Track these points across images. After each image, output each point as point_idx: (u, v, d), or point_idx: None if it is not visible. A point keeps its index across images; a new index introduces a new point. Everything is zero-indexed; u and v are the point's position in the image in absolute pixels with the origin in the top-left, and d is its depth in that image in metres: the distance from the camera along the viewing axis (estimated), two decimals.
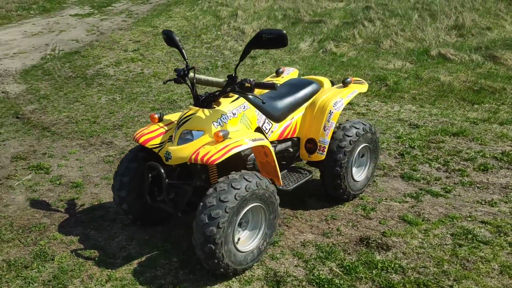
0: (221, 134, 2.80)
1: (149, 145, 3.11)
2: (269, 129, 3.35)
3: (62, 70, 8.62)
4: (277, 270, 3.01)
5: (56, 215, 3.72)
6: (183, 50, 3.17)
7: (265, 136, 3.31)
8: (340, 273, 2.96)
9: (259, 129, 3.32)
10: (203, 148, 2.81)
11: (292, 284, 2.88)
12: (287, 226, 3.51)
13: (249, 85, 2.89)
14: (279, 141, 3.51)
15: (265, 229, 3.02)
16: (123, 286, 2.88)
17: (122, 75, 8.22)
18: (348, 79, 3.71)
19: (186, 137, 2.95)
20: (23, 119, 6.25)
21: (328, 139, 3.52)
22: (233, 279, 2.93)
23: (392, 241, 3.28)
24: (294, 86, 3.70)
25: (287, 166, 3.65)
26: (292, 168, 3.65)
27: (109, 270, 3.03)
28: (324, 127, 3.52)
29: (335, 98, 3.56)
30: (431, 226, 3.46)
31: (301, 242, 3.31)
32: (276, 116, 3.41)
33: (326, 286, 2.84)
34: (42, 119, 6.23)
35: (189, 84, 3.12)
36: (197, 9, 13.91)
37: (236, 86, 2.93)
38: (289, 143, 3.58)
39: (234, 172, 2.88)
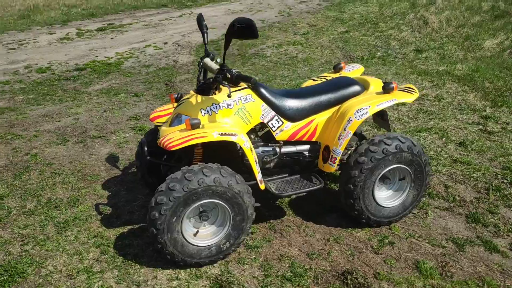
0: (190, 122, 2.76)
1: (156, 122, 3.27)
2: (278, 127, 3.10)
3: (230, 47, 9.37)
4: (232, 275, 2.84)
5: (113, 171, 4.25)
6: (205, 35, 3.18)
7: (272, 134, 3.09)
8: None
9: (263, 125, 3.12)
10: (173, 133, 2.82)
11: None
12: (281, 234, 3.23)
13: (229, 76, 2.75)
14: (291, 143, 3.21)
15: (229, 229, 2.87)
16: (101, 244, 3.17)
17: (276, 57, 8.47)
18: (391, 85, 3.09)
19: (176, 120, 2.99)
20: (170, 86, 7.13)
21: (341, 149, 3.05)
22: (186, 269, 2.90)
23: (379, 286, 2.69)
24: (330, 85, 3.29)
25: (302, 171, 3.31)
26: (306, 174, 3.29)
27: (104, 227, 3.36)
28: (340, 135, 3.06)
29: (361, 104, 3.04)
30: (445, 284, 2.69)
31: (280, 255, 3.02)
32: (291, 115, 3.12)
33: None
34: (184, 88, 6.99)
35: (200, 69, 3.12)
36: None
37: (220, 76, 2.82)
38: (306, 146, 3.24)
39: (201, 163, 2.81)
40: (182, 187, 2.65)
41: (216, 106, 2.91)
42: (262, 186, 2.93)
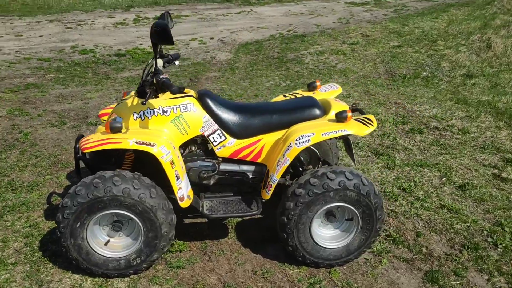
0: (110, 125, 2.60)
1: (102, 119, 3.17)
2: (220, 142, 2.85)
3: (272, 49, 9.14)
4: None
5: None
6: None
7: (214, 149, 2.87)
8: None
9: (204, 138, 2.89)
10: (93, 134, 2.68)
11: None
12: (209, 257, 2.98)
13: (156, 81, 2.58)
14: (235, 161, 2.95)
15: (141, 245, 2.68)
16: (31, 235, 3.11)
17: (313, 64, 8.11)
18: (344, 114, 2.71)
19: (113, 120, 2.86)
20: (193, 82, 7.06)
21: (277, 177, 2.74)
22: (95, 278, 2.76)
23: None
24: (288, 104, 3.00)
25: (247, 193, 3.03)
26: (249, 197, 3.01)
27: (43, 218, 3.30)
28: (278, 161, 2.75)
29: (306, 131, 2.70)
30: None
31: (197, 280, 2.77)
32: (236, 131, 2.86)
33: None
34: (207, 86, 6.88)
35: (144, 68, 2.95)
36: (477, 12, 12.05)
37: (150, 80, 2.65)
38: (251, 167, 2.97)
39: (119, 171, 2.64)
40: (87, 193, 2.50)
41: (150, 112, 2.73)
42: (182, 204, 2.70)
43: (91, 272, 2.71)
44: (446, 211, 3.53)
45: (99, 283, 2.72)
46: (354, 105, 3.19)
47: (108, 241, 2.72)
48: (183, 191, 2.69)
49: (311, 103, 2.93)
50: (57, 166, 4.07)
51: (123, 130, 2.63)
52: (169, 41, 2.36)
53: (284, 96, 3.32)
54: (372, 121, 2.77)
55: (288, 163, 2.70)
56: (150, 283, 2.74)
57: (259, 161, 2.93)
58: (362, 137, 4.87)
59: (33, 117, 5.22)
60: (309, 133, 2.67)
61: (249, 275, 2.84)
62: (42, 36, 9.84)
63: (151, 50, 9.00)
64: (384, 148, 4.60)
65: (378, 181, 3.95)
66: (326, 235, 2.88)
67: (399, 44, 9.42)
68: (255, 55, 8.73)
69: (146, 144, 2.54)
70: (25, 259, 2.90)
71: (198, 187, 2.96)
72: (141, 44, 9.33)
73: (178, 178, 2.64)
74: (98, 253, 2.67)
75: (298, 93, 3.32)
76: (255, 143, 2.89)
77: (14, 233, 3.13)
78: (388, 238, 3.21)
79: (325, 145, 3.33)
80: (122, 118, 2.77)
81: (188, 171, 2.89)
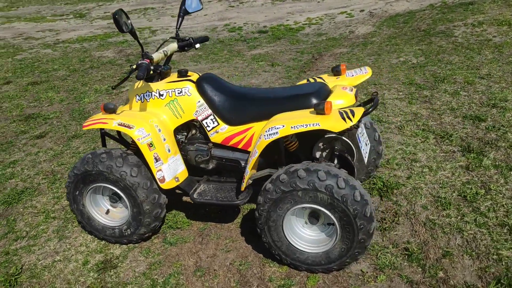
0: (104, 106, 2.82)
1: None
2: (213, 127, 2.81)
3: (422, 21, 8.15)
4: (120, 262, 2.88)
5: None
6: (180, 19, 3.08)
7: (207, 134, 2.87)
8: None
9: (197, 122, 2.90)
10: (97, 114, 2.93)
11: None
12: (201, 239, 3.00)
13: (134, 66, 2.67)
14: (230, 148, 2.87)
15: (130, 218, 2.88)
16: None
17: (463, 37, 6.98)
18: (321, 105, 2.33)
19: (107, 102, 3.09)
20: (314, 59, 6.87)
21: (248, 169, 2.57)
22: (100, 242, 3.08)
23: None
24: (287, 91, 2.73)
25: (240, 180, 2.92)
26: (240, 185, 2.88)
27: None
28: (251, 153, 2.57)
29: (277, 123, 2.43)
30: None
31: (177, 260, 2.85)
32: (228, 117, 2.78)
33: None
34: (329, 64, 6.65)
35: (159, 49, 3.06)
36: None
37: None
38: (244, 155, 2.84)
39: (107, 148, 2.86)
40: (81, 167, 2.81)
41: (148, 94, 2.85)
42: (163, 186, 2.75)
43: (95, 236, 3.05)
44: (505, 231, 2.76)
45: (100, 245, 3.04)
46: (374, 94, 2.71)
47: (108, 210, 3.00)
48: (164, 173, 2.75)
49: (313, 90, 2.61)
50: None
51: (118, 111, 2.83)
52: (117, 26, 2.42)
53: (307, 81, 3.03)
54: (354, 115, 2.33)
55: (256, 155, 2.50)
56: (140, 254, 2.93)
57: (249, 149, 2.79)
58: (453, 128, 4.08)
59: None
60: (279, 125, 2.40)
61: (226, 264, 2.77)
62: (206, 15, 10.79)
63: (293, 27, 9.04)
64: (481, 144, 3.76)
65: (440, 183, 3.29)
66: (308, 237, 2.59)
67: None
68: (399, 27, 7.96)
69: (125, 126, 2.68)
70: (63, 216, 3.40)
71: (202, 171, 3.00)
72: (288, 20, 9.41)
73: (157, 160, 2.72)
74: (97, 220, 2.98)
75: (322, 78, 2.98)
76: (246, 131, 2.75)
77: None
78: (404, 252, 2.70)
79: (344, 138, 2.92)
80: (129, 99, 2.97)
81: (187, 153, 2.95)
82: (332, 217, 2.38)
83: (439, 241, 2.74)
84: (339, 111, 2.37)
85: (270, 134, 2.42)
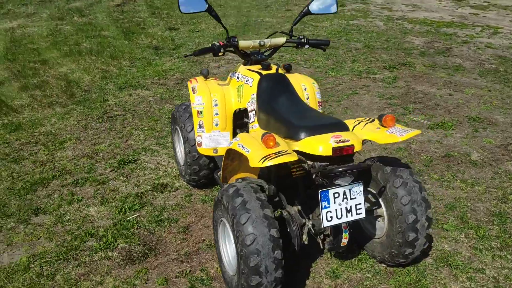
0: (201, 72, 3.24)
1: None
2: (252, 122, 2.95)
3: None
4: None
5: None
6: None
7: (249, 126, 3.04)
8: None
9: (246, 112, 3.07)
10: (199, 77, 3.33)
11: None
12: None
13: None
14: None
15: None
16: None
17: None
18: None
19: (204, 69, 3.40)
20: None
21: None
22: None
23: None
24: (316, 121, 2.49)
25: None
26: None
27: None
28: None
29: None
30: None
31: (169, 235, 3.01)
32: (259, 118, 2.86)
33: None
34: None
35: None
36: None
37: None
38: None
39: None
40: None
41: (233, 74, 3.14)
42: (199, 150, 3.15)
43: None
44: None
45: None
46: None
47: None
48: (202, 139, 3.11)
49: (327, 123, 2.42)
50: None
51: (210, 78, 3.26)
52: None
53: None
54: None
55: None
56: (154, 224, 3.14)
57: None
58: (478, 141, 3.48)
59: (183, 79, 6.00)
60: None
61: (195, 249, 2.92)
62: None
63: (432, 19, 8.17)
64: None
65: (432, 195, 3.03)
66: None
67: None
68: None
69: (193, 90, 3.15)
70: (82, 184, 3.65)
71: None
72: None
73: (201, 127, 3.09)
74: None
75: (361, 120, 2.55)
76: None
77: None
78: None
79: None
80: None
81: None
82: None
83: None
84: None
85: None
